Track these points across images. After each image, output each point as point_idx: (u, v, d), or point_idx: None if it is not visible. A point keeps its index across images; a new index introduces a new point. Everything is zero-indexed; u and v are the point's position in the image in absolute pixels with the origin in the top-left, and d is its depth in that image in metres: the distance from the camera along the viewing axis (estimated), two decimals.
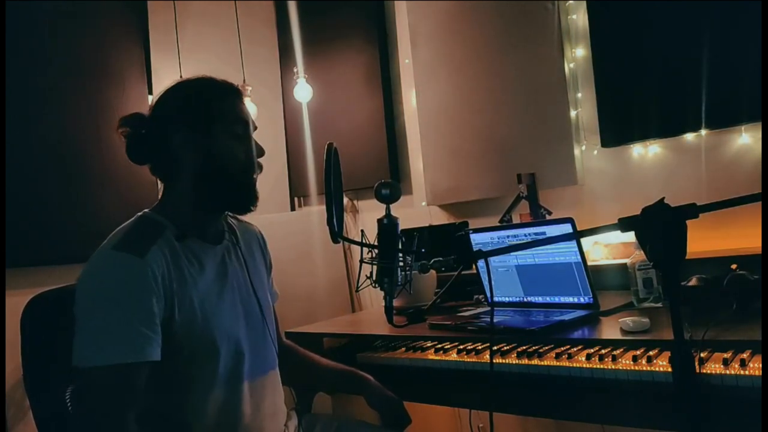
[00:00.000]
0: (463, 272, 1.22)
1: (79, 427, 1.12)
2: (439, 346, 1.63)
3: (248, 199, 1.28)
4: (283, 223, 2.95)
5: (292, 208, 3.19)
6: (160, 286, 1.13)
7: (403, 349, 1.71)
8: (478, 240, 1.90)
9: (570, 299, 1.73)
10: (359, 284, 1.22)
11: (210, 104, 1.25)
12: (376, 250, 1.20)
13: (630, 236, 1.30)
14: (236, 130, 1.26)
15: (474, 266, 1.91)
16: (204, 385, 1.20)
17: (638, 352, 1.31)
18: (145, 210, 1.26)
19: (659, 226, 0.92)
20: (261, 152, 1.31)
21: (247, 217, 1.46)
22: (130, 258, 1.12)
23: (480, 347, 1.56)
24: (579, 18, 2.30)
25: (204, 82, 1.29)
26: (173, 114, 1.25)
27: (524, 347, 1.49)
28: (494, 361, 1.46)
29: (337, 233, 1.15)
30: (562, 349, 1.43)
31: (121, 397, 1.08)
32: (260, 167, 1.30)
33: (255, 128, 1.32)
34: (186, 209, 1.25)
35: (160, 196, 1.30)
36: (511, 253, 1.79)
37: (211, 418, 1.20)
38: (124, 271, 1.11)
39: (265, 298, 1.39)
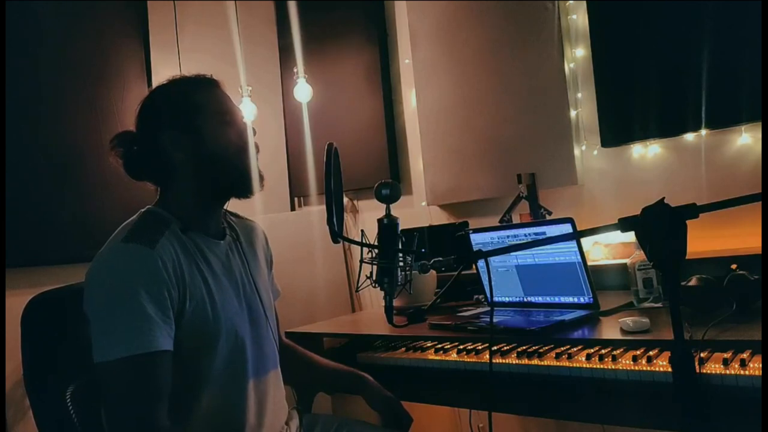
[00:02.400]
0: (463, 272, 1.22)
1: (108, 422, 1.12)
2: (439, 346, 1.63)
3: (251, 179, 1.28)
4: (283, 223, 2.95)
5: (292, 208, 3.19)
6: (172, 277, 1.14)
7: (403, 349, 1.71)
8: (478, 240, 1.90)
9: (570, 299, 1.73)
10: (359, 284, 1.22)
11: (188, 99, 1.26)
12: (376, 250, 1.20)
13: (630, 236, 1.30)
14: (221, 117, 1.27)
15: (474, 266, 1.91)
16: (209, 379, 1.20)
17: (638, 352, 1.31)
18: (148, 206, 1.27)
19: (659, 226, 0.92)
20: (252, 132, 1.31)
21: (247, 216, 1.47)
22: (140, 249, 1.12)
23: (480, 347, 1.56)
24: (579, 18, 2.30)
25: (177, 82, 1.30)
26: (156, 121, 1.26)
27: (524, 347, 1.49)
28: (494, 361, 1.46)
29: (337, 233, 1.15)
30: (562, 349, 1.43)
31: (144, 389, 1.07)
32: (256, 147, 1.31)
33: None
34: (188, 206, 1.26)
35: (158, 196, 1.30)
36: (511, 253, 1.79)
37: (216, 414, 1.20)
38: (136, 262, 1.11)
39: (267, 295, 1.39)
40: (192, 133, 1.24)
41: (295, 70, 2.94)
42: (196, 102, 1.26)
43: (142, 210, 1.25)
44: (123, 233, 1.17)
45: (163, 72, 2.81)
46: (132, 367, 1.06)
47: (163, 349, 1.09)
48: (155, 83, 1.34)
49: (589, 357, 1.35)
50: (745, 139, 1.96)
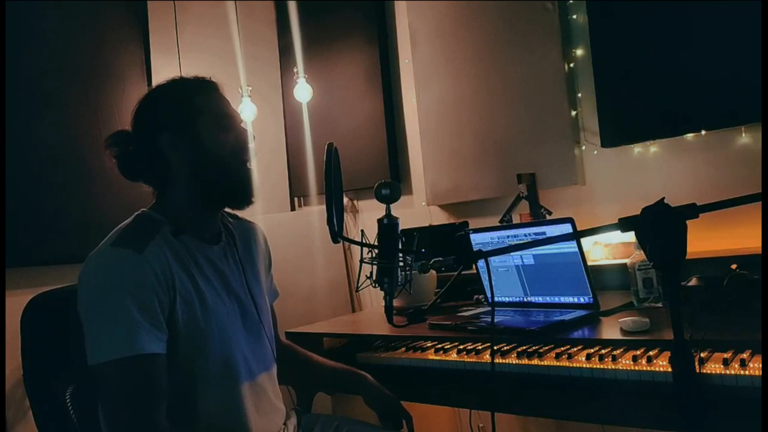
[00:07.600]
0: (463, 272, 1.22)
1: (106, 424, 1.13)
2: (439, 346, 1.63)
3: (247, 187, 1.28)
4: (283, 223, 2.95)
5: (292, 208, 3.19)
6: (161, 281, 1.13)
7: (403, 349, 1.71)
8: (478, 240, 1.90)
9: (570, 299, 1.73)
10: (359, 284, 1.22)
11: (189, 103, 1.25)
12: (376, 250, 1.20)
13: (630, 236, 1.30)
14: (220, 121, 1.26)
15: (474, 266, 1.91)
16: (203, 382, 1.20)
17: (638, 352, 1.31)
18: (143, 209, 1.26)
19: (659, 226, 0.92)
20: (252, 137, 1.31)
21: (247, 217, 1.46)
22: (128, 253, 1.12)
23: (480, 347, 1.56)
24: (579, 18, 2.30)
25: (177, 84, 1.29)
26: (155, 123, 1.25)
27: (524, 347, 1.49)
28: (494, 361, 1.46)
29: (337, 233, 1.15)
30: (562, 349, 1.43)
31: (138, 390, 1.08)
32: (253, 152, 1.31)
33: (242, 120, 1.33)
34: (183, 209, 1.26)
35: (155, 199, 1.30)
36: (512, 253, 1.79)
37: (212, 416, 1.20)
38: (123, 267, 1.11)
39: (262, 299, 1.39)
40: (190, 136, 1.23)
41: (295, 70, 2.94)
42: (196, 105, 1.25)
43: (137, 213, 1.25)
44: (113, 237, 1.17)
45: (163, 72, 2.81)
46: (123, 370, 1.07)
47: (150, 352, 1.09)
48: (155, 83, 1.33)
49: (589, 357, 1.35)
50: (745, 139, 1.96)
